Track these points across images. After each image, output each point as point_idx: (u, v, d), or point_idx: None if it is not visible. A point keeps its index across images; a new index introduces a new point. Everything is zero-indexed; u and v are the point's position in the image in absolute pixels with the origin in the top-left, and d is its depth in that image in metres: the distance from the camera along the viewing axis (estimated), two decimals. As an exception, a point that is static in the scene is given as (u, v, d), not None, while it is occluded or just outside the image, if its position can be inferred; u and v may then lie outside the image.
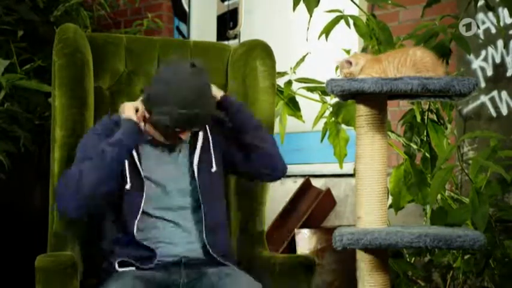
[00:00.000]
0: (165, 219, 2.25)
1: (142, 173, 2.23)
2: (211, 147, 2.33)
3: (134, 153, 2.24)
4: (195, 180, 2.28)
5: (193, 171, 2.29)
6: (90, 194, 2.10)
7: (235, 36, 4.81)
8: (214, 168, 2.31)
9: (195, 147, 2.32)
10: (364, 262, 2.05)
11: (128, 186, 2.20)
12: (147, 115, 2.22)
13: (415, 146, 2.70)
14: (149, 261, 2.20)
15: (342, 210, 4.13)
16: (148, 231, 2.23)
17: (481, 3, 2.93)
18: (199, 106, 2.15)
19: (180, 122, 2.15)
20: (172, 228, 2.25)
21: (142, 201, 2.21)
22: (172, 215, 2.26)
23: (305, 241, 3.69)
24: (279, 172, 2.36)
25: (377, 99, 2.04)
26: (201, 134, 2.33)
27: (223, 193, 2.37)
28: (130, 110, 2.22)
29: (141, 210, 2.20)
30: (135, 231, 2.19)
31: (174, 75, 2.17)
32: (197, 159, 2.29)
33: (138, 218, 2.20)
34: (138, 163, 2.23)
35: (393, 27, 3.14)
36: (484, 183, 2.46)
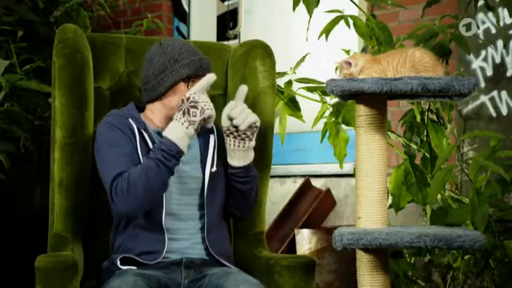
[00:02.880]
0: (170, 214, 2.26)
1: None
2: (216, 149, 2.35)
3: (149, 140, 2.25)
4: (203, 180, 2.30)
5: (202, 171, 2.30)
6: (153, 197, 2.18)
7: (235, 36, 4.81)
8: (214, 168, 2.32)
9: (206, 148, 2.34)
10: (364, 262, 2.05)
11: None
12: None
13: (415, 146, 2.70)
14: (155, 255, 2.20)
15: (342, 210, 4.13)
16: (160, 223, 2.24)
17: (481, 3, 2.93)
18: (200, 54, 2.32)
19: (198, 67, 2.27)
20: (179, 224, 2.26)
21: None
22: (178, 210, 2.27)
23: (305, 241, 3.69)
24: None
25: (377, 99, 2.05)
26: (212, 136, 2.36)
27: (224, 194, 2.37)
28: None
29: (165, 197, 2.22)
30: (163, 216, 2.20)
31: (166, 45, 2.30)
32: (210, 161, 2.31)
33: (164, 207, 2.21)
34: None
35: (393, 27, 3.14)
36: (484, 183, 2.46)
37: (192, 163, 2.32)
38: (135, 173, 2.13)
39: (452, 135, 3.23)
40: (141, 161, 2.18)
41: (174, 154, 2.14)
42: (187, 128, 2.15)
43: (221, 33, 4.85)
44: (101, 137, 2.24)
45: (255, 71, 2.57)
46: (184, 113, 2.15)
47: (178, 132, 2.15)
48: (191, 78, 2.28)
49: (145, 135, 2.25)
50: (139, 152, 2.21)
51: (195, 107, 2.15)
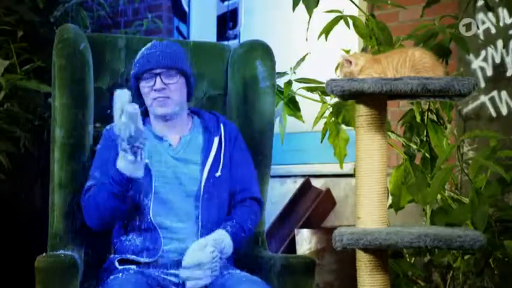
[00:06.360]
0: (169, 213, 2.26)
1: (149, 166, 2.24)
2: (222, 152, 2.34)
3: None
4: (200, 183, 2.29)
5: (200, 174, 2.29)
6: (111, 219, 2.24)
7: (235, 36, 4.81)
8: (218, 173, 2.31)
9: (208, 151, 2.33)
10: (364, 262, 2.05)
11: None
12: None
13: (415, 146, 2.70)
14: (153, 252, 2.20)
15: (342, 210, 4.13)
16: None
17: (481, 3, 2.94)
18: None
19: (145, 62, 2.27)
20: (178, 224, 2.26)
21: (153, 185, 2.23)
22: (177, 210, 2.27)
23: (305, 241, 3.69)
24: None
25: (377, 99, 2.05)
26: (216, 139, 2.35)
27: (227, 199, 2.36)
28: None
29: (153, 191, 2.23)
30: (151, 214, 2.21)
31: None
32: (209, 164, 2.31)
33: (152, 200, 2.22)
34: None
35: (393, 27, 3.14)
36: (484, 183, 2.46)
37: (192, 164, 2.32)
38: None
39: (452, 135, 3.23)
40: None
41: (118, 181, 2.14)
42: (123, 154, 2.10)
43: (221, 33, 4.85)
44: (97, 148, 2.34)
45: (255, 71, 2.57)
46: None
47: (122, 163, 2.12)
48: (141, 74, 2.30)
49: None
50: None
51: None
